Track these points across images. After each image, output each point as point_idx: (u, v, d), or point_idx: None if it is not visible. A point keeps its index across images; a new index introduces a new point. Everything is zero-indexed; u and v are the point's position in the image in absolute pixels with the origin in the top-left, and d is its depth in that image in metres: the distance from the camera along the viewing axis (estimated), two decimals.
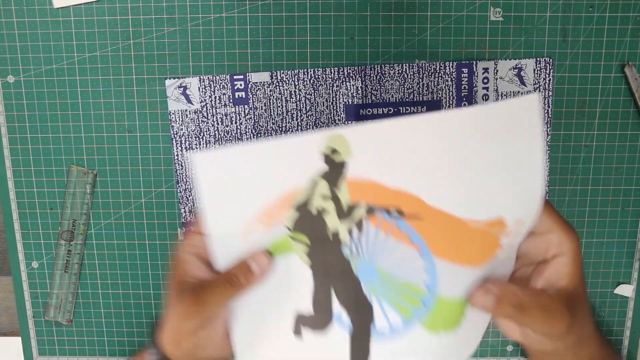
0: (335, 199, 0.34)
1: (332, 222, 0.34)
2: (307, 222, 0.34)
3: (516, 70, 0.41)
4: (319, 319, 0.36)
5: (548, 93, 0.42)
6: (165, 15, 0.41)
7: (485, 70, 0.41)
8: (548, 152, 0.43)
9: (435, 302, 0.33)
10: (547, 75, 0.42)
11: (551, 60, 0.41)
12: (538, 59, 0.41)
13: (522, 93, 0.42)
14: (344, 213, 0.34)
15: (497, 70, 0.41)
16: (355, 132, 0.31)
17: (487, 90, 0.42)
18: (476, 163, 0.30)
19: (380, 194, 0.32)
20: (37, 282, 0.46)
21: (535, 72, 0.42)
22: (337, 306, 0.35)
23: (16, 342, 0.48)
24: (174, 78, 0.42)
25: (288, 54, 0.42)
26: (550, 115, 0.42)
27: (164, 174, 0.44)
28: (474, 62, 0.42)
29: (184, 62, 0.42)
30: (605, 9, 0.41)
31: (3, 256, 0.48)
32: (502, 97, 0.42)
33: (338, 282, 0.34)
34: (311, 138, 0.32)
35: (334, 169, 0.33)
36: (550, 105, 0.42)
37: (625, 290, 0.45)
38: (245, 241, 0.35)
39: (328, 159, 0.33)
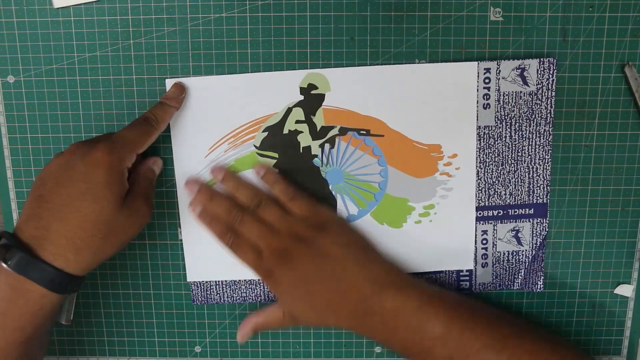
0: (310, 122, 0.42)
1: (305, 140, 0.43)
2: (277, 140, 0.43)
3: (519, 70, 0.42)
4: None
5: (551, 93, 0.42)
6: (165, 15, 0.41)
7: (487, 70, 0.41)
8: (550, 151, 0.43)
9: (383, 197, 0.44)
10: (550, 76, 0.42)
11: (555, 60, 0.41)
12: (541, 59, 0.41)
13: (524, 93, 0.42)
14: (317, 134, 0.43)
15: (499, 70, 0.41)
16: (335, 72, 0.42)
17: (489, 90, 0.42)
18: (425, 104, 0.42)
19: (352, 119, 0.42)
20: None
21: (539, 72, 0.42)
22: None
23: None
24: (174, 78, 0.42)
25: (288, 54, 0.42)
26: (552, 116, 0.42)
27: (164, 174, 0.44)
28: (477, 62, 0.42)
29: (184, 62, 0.42)
30: (605, 9, 0.41)
31: None
32: (503, 96, 0.42)
33: (306, 185, 0.43)
34: (290, 74, 0.42)
35: (311, 100, 0.42)
36: (552, 106, 0.42)
37: (625, 290, 0.45)
38: (207, 158, 0.43)
39: (305, 92, 0.42)
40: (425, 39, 0.42)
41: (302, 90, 0.42)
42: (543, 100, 0.42)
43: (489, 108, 0.42)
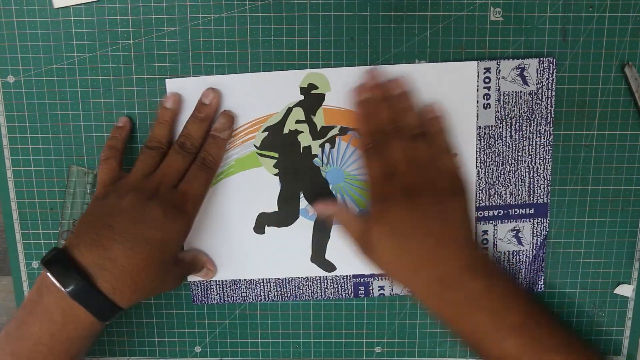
0: (310, 122, 0.42)
1: (306, 140, 0.43)
2: (277, 140, 0.43)
3: (519, 70, 0.42)
4: (285, 216, 0.44)
5: (551, 93, 0.42)
6: (165, 15, 0.41)
7: (487, 70, 0.41)
8: (550, 151, 0.43)
9: None
10: (550, 75, 0.42)
11: (554, 60, 0.41)
12: (541, 58, 0.41)
13: (524, 93, 0.42)
14: (317, 133, 0.43)
15: (499, 70, 0.41)
16: (336, 72, 0.42)
17: (489, 90, 0.42)
18: (425, 102, 0.42)
19: (353, 119, 0.42)
20: None
21: (539, 71, 0.42)
22: (303, 203, 0.44)
23: None
24: (174, 78, 0.42)
25: (288, 54, 0.42)
26: (552, 115, 0.42)
27: None
28: (477, 62, 0.42)
29: (184, 62, 0.42)
30: (605, 9, 0.41)
31: (3, 256, 0.48)
32: (503, 96, 0.42)
33: (307, 185, 0.43)
34: (290, 74, 0.42)
35: (312, 100, 0.42)
36: (553, 106, 0.42)
37: (625, 290, 0.45)
38: None
39: (305, 92, 0.42)
40: (425, 39, 0.42)
41: (302, 90, 0.42)
42: (543, 100, 0.42)
43: (489, 108, 0.42)
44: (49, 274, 0.35)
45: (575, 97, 0.43)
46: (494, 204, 0.44)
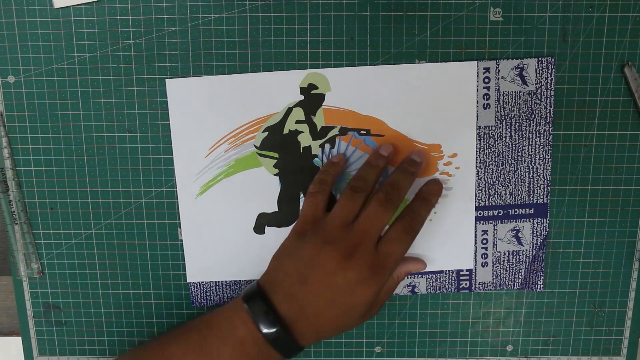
0: (310, 123, 0.42)
1: (306, 140, 0.43)
2: (277, 140, 0.43)
3: (518, 70, 0.42)
4: (284, 216, 0.44)
5: (550, 93, 0.42)
6: (165, 15, 0.41)
7: (486, 69, 0.41)
8: (550, 151, 0.43)
9: None
10: (549, 75, 0.42)
11: (553, 59, 0.41)
12: (540, 58, 0.41)
13: (523, 92, 0.42)
14: (317, 134, 0.43)
15: (498, 70, 0.41)
16: (336, 72, 0.42)
17: (488, 90, 0.42)
18: (425, 104, 0.42)
19: (352, 119, 0.42)
20: (37, 282, 0.46)
21: (537, 71, 0.42)
22: (303, 204, 0.42)
23: (16, 342, 0.48)
24: (174, 78, 0.42)
25: (288, 54, 0.42)
26: (552, 115, 0.42)
27: (164, 174, 0.44)
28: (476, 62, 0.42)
29: (184, 62, 0.42)
30: (605, 9, 0.41)
31: (3, 256, 0.48)
32: (503, 96, 0.42)
33: (307, 185, 0.42)
34: (290, 74, 0.42)
35: (311, 100, 0.42)
36: (552, 105, 0.42)
37: None
38: (208, 157, 0.43)
39: (305, 92, 0.42)
40: (425, 39, 0.42)
41: (303, 90, 0.42)
42: (542, 99, 0.42)
43: (489, 108, 0.42)
44: (251, 315, 0.37)
45: (575, 97, 0.43)
46: (493, 204, 0.44)
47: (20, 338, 0.47)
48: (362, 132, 0.42)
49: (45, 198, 0.44)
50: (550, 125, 0.42)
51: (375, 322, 0.46)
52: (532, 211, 0.44)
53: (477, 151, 0.43)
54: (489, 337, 0.46)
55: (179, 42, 0.42)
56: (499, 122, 0.42)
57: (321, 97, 0.42)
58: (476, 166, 0.43)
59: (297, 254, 0.38)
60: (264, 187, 0.43)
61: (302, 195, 0.44)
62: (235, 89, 0.42)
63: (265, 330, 0.36)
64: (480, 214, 0.44)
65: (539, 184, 0.44)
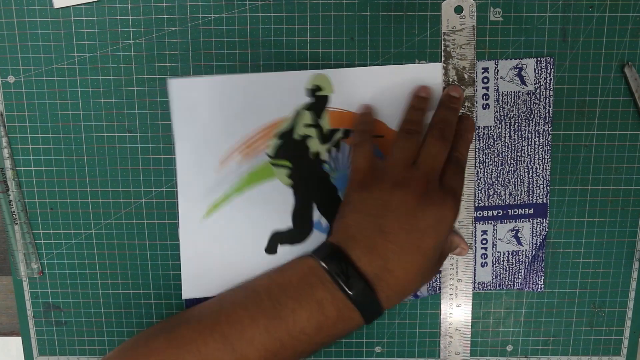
0: (318, 126, 0.41)
1: (314, 145, 0.42)
2: (289, 147, 0.41)
3: (517, 70, 0.42)
4: (299, 232, 0.43)
5: (549, 93, 0.42)
6: (165, 15, 0.41)
7: (485, 69, 0.41)
8: (549, 151, 0.43)
9: None
10: (548, 75, 0.42)
11: (552, 59, 0.41)
12: (539, 58, 0.41)
13: (522, 93, 0.42)
14: (325, 137, 0.42)
15: (497, 70, 0.41)
16: (337, 73, 0.41)
17: (488, 90, 0.42)
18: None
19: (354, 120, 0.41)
20: (37, 282, 0.46)
21: (536, 71, 0.42)
22: (316, 215, 0.42)
23: (16, 342, 0.48)
24: (174, 78, 0.42)
25: (288, 54, 0.42)
26: (551, 115, 0.42)
27: (164, 174, 0.44)
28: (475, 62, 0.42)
29: (184, 62, 0.42)
30: (605, 9, 0.41)
31: (3, 256, 0.48)
32: (502, 96, 0.42)
33: (318, 194, 0.42)
34: (296, 75, 0.41)
35: (318, 102, 0.41)
36: (551, 105, 0.42)
37: None
38: (220, 172, 0.41)
39: (312, 94, 0.41)
40: (425, 39, 0.42)
41: (309, 92, 0.41)
42: (541, 99, 0.42)
43: (488, 108, 0.42)
44: (330, 272, 0.35)
45: (575, 97, 0.43)
46: (493, 204, 0.44)
47: (20, 338, 0.47)
48: None
49: (45, 198, 0.44)
50: (550, 125, 0.42)
51: (375, 322, 0.46)
52: (531, 211, 0.44)
53: (476, 151, 0.43)
54: (489, 337, 0.46)
55: (179, 42, 0.42)
56: (498, 122, 0.42)
57: (326, 99, 0.42)
58: (475, 166, 0.43)
59: (367, 206, 0.36)
60: (277, 200, 0.42)
61: (315, 206, 0.43)
62: (241, 90, 0.41)
63: (347, 289, 0.34)
64: (479, 214, 0.44)
65: (538, 184, 0.44)
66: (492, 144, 0.43)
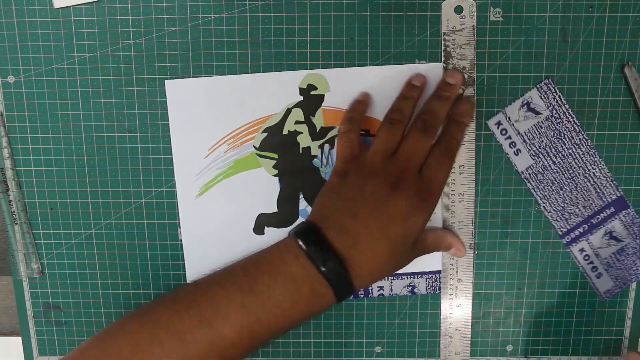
0: (309, 123, 0.42)
1: (305, 141, 0.43)
2: (276, 140, 0.43)
3: (525, 106, 0.42)
4: (284, 217, 0.44)
5: (565, 107, 0.42)
6: (165, 15, 0.41)
7: (498, 123, 0.42)
8: (595, 152, 0.43)
9: None
10: (554, 94, 0.42)
11: (551, 80, 0.41)
12: (539, 85, 0.42)
13: (542, 121, 0.42)
14: (317, 134, 0.42)
15: (508, 117, 0.42)
16: (335, 72, 0.42)
17: (511, 139, 0.42)
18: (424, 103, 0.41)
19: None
20: (37, 282, 0.46)
21: (543, 97, 0.42)
22: (302, 204, 0.44)
23: (16, 342, 0.48)
24: (174, 78, 0.42)
25: (288, 54, 0.42)
26: (577, 123, 0.42)
27: (164, 174, 0.44)
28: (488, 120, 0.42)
29: (184, 62, 0.42)
30: (605, 9, 0.41)
31: (3, 256, 0.48)
32: (526, 136, 0.42)
33: (306, 185, 0.43)
34: (290, 74, 0.42)
35: (311, 100, 0.42)
36: (573, 115, 0.42)
37: None
38: (207, 158, 0.43)
39: (304, 92, 0.42)
40: (425, 39, 0.42)
41: (302, 91, 0.42)
42: (561, 116, 0.42)
43: (520, 153, 0.42)
44: (304, 248, 0.36)
45: (575, 97, 0.43)
46: (574, 224, 0.44)
47: (20, 338, 0.47)
48: (361, 132, 0.42)
49: (45, 198, 0.44)
50: (583, 133, 0.42)
51: (375, 322, 0.46)
52: (612, 209, 0.44)
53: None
54: (489, 337, 0.46)
55: (179, 42, 0.42)
56: (536, 157, 0.42)
57: (320, 98, 0.42)
58: (532, 204, 0.43)
59: (344, 190, 0.38)
60: (263, 187, 0.43)
61: (301, 196, 0.44)
62: (234, 90, 0.42)
63: (319, 265, 0.35)
64: (567, 239, 0.44)
65: (604, 184, 0.43)
66: (541, 179, 0.43)
